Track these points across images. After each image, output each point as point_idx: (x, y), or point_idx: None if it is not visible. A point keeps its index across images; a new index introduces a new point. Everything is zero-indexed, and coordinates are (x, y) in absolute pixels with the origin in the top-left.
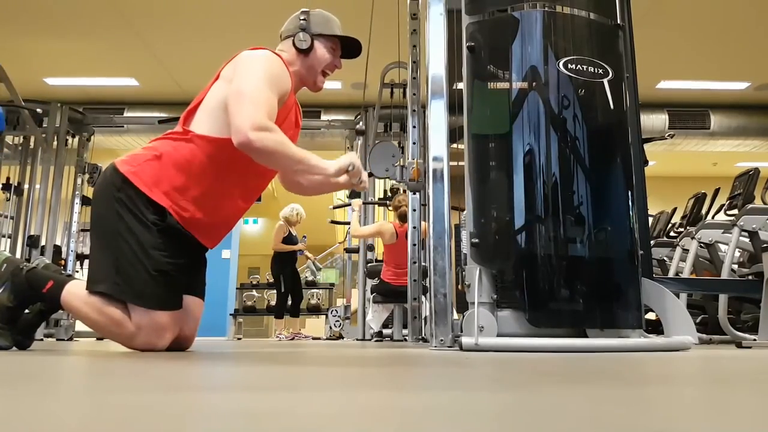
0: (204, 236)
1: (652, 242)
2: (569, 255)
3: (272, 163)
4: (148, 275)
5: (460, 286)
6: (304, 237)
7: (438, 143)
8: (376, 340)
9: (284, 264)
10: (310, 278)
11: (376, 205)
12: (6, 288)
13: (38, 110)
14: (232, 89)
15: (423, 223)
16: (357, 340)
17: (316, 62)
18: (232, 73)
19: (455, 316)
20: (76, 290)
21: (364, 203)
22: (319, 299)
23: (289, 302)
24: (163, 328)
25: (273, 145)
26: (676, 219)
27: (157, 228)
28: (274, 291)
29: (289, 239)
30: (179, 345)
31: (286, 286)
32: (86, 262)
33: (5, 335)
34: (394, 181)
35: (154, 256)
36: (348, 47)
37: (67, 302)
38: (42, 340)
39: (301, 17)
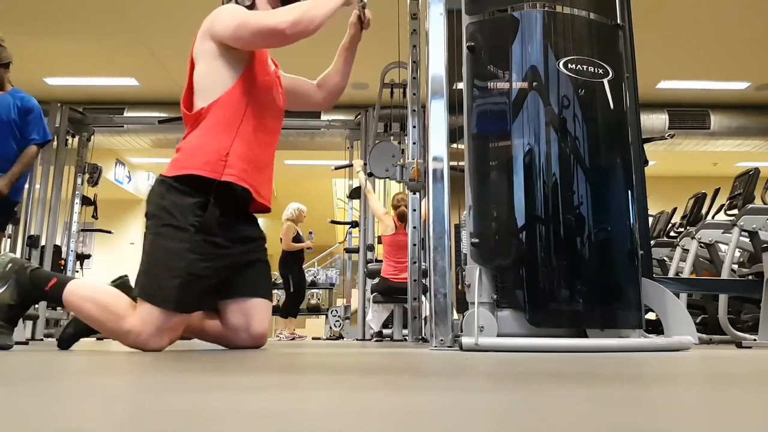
0: (257, 187)
1: (652, 242)
2: (569, 255)
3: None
4: (173, 278)
5: (460, 286)
6: (311, 233)
7: (438, 143)
8: (376, 340)
9: (293, 264)
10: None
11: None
12: (9, 285)
13: None
14: (229, 31)
15: (423, 206)
16: (357, 340)
17: None
18: (202, 43)
19: (455, 316)
20: (77, 288)
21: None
22: (319, 299)
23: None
24: (166, 329)
25: (308, 15)
26: (676, 219)
27: (195, 229)
28: (281, 291)
29: (296, 238)
30: (255, 342)
31: (295, 286)
32: (86, 262)
33: (7, 334)
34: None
35: (188, 259)
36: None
37: (68, 300)
38: (42, 340)
39: None
